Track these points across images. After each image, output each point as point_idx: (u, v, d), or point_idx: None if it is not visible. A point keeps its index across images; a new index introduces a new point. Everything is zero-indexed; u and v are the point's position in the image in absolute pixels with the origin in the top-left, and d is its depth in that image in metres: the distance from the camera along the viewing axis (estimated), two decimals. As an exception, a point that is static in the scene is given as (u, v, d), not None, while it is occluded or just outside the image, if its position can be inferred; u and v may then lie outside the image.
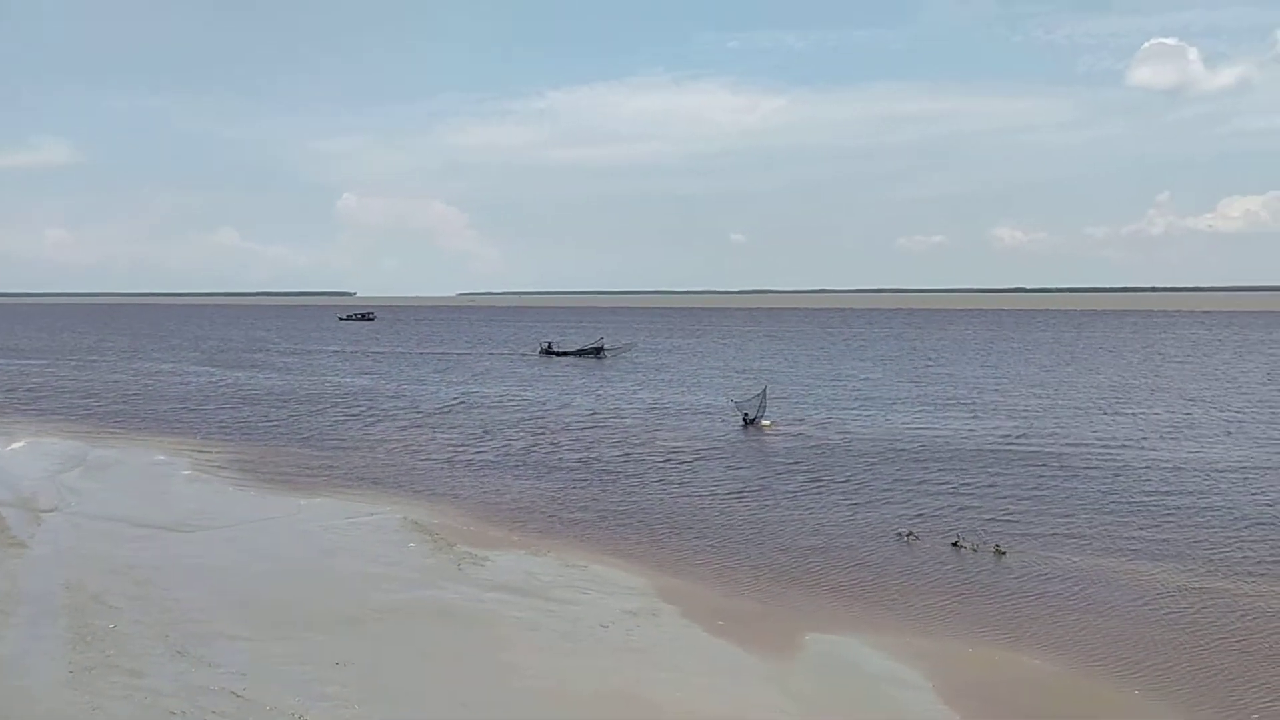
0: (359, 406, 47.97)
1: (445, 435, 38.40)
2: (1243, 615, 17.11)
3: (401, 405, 48.44)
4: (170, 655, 14.66)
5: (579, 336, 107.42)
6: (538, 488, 28.13)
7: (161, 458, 32.95)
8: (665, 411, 45.22)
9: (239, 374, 67.43)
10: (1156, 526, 23.09)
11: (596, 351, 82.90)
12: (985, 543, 21.45)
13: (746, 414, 41.08)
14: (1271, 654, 15.40)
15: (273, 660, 14.45)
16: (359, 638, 15.52)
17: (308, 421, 42.36)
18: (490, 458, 33.24)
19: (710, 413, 44.42)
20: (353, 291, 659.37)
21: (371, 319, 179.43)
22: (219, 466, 31.47)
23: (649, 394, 53.02)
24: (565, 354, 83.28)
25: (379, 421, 42.44)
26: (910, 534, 22.30)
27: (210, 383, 60.81)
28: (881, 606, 17.87)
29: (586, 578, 19.10)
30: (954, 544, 21.49)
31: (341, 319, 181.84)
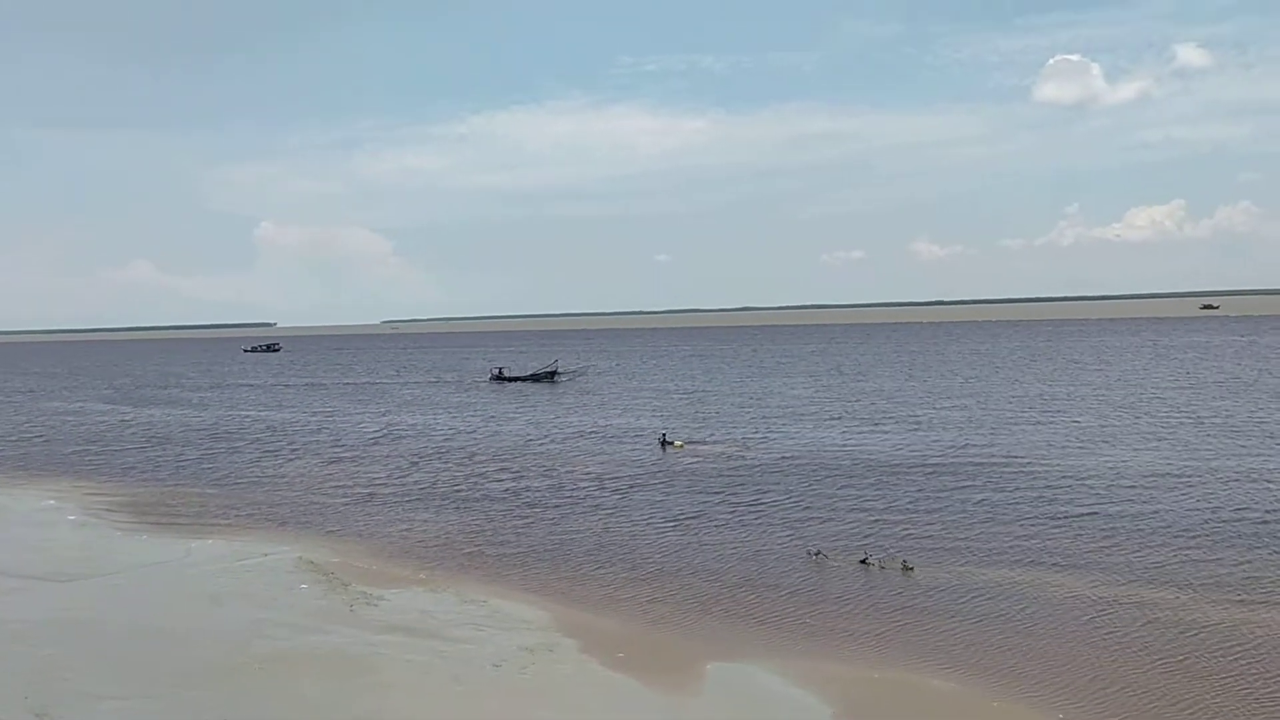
0: (276, 442, 46.35)
1: (362, 469, 37.23)
2: (1160, 627, 16.81)
3: (321, 439, 46.95)
4: (28, 719, 13.66)
5: (509, 361, 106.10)
6: (450, 521, 27.27)
7: (50, 503, 31.43)
8: (593, 436, 44.45)
9: (152, 411, 65.20)
10: (1069, 537, 22.91)
11: (551, 375, 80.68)
12: (893, 559, 21.22)
13: (664, 435, 40.83)
14: (1191, 667, 15.06)
15: (137, 721, 13.53)
16: (234, 691, 14.64)
17: (219, 460, 40.71)
18: (407, 491, 32.18)
19: (638, 436, 43.65)
20: (273, 322, 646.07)
21: (277, 350, 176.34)
22: (111, 510, 30.08)
23: (580, 418, 52.13)
24: (518, 379, 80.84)
25: (295, 457, 41.04)
26: (819, 553, 21.99)
27: (120, 421, 58.65)
28: (787, 630, 17.47)
29: (484, 614, 18.42)
30: (862, 561, 21.24)
31: (246, 350, 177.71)
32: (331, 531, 26.33)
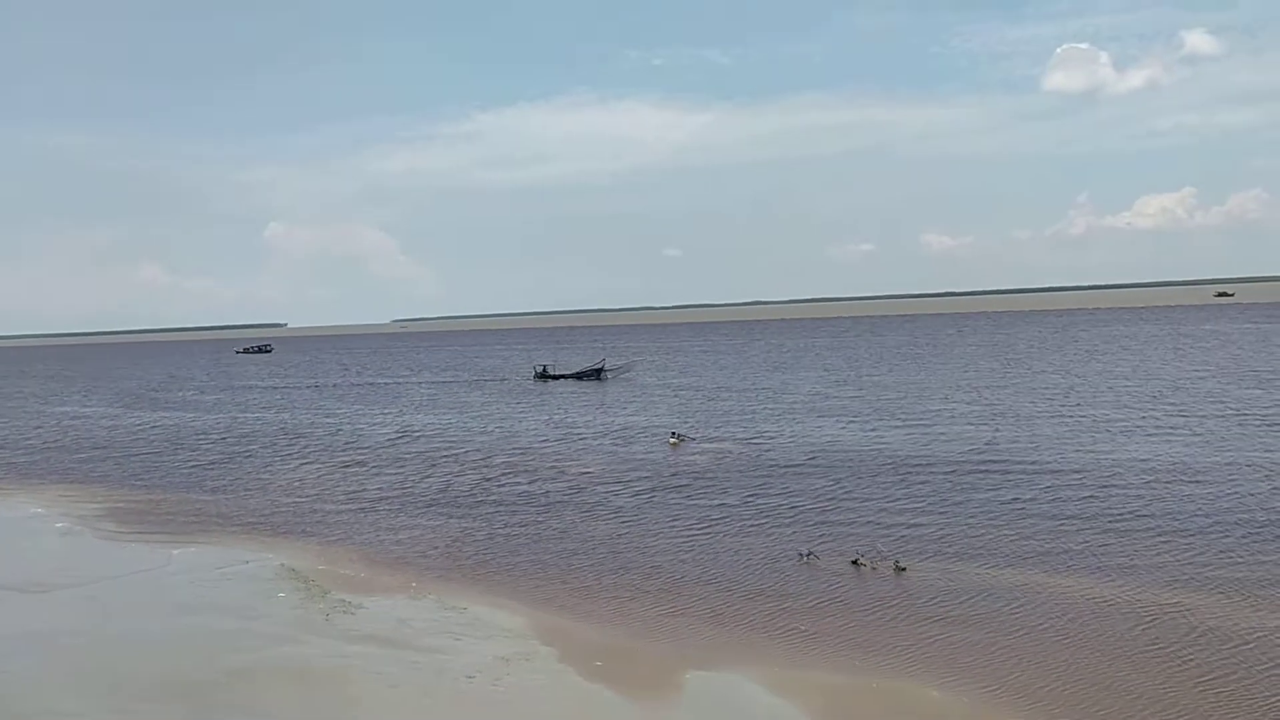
0: (290, 446, 45.12)
1: (369, 472, 36.42)
2: (1161, 631, 16.12)
3: (334, 442, 45.76)
4: (-16, 739, 13.28)
5: (521, 361, 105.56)
6: (444, 526, 26.64)
7: (38, 510, 31.11)
8: (608, 435, 43.59)
9: (163, 415, 64.21)
10: (1074, 536, 22.14)
11: (597, 373, 78.98)
12: (885, 560, 20.68)
13: (674, 433, 40.60)
14: (1194, 673, 14.42)
15: (93, 740, 13.12)
16: (199, 705, 14.23)
17: (229, 465, 39.74)
18: (406, 495, 31.44)
19: (650, 434, 42.63)
20: (283, 323, 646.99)
21: (269, 351, 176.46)
22: (100, 517, 29.73)
23: (600, 417, 51.26)
24: (563, 377, 79.18)
25: (306, 461, 40.13)
26: (811, 554, 21.46)
27: (132, 425, 58.04)
28: (772, 636, 16.96)
29: (463, 621, 17.96)
30: (854, 562, 20.71)
31: (238, 352, 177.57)
32: (323, 537, 25.84)
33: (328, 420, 56.05)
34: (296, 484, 34.55)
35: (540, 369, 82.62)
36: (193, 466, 39.94)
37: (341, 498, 31.46)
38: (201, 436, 50.60)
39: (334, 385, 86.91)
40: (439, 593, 19.98)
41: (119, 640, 17.52)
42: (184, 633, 17.72)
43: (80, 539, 26.56)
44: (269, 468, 38.70)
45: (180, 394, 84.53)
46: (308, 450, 43.21)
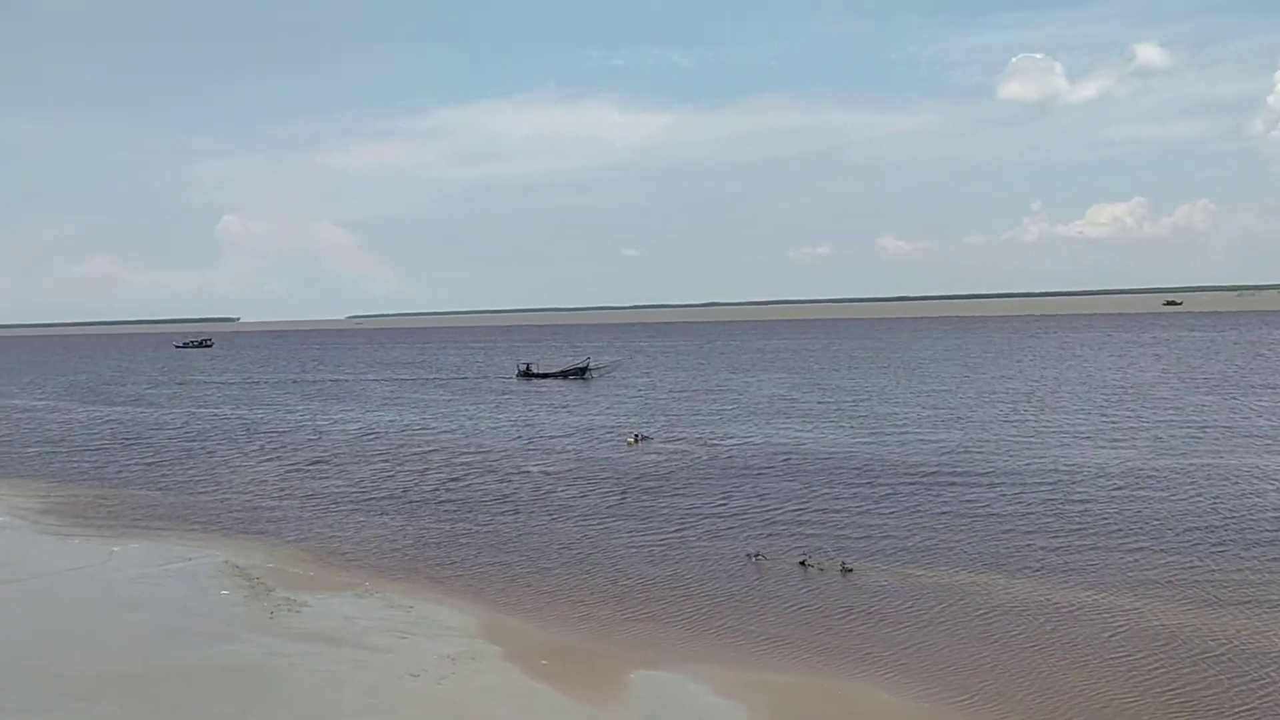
0: (250, 443, 44.13)
1: (327, 470, 35.77)
2: (1104, 632, 16.33)
3: (294, 439, 45.01)
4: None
5: (482, 359, 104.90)
6: (396, 524, 26.34)
7: (-22, 505, 30.40)
8: (570, 434, 43.57)
9: (118, 410, 62.87)
10: (1022, 539, 22.38)
11: (581, 372, 78.27)
12: (833, 560, 20.83)
13: (637, 434, 40.69)
14: (1138, 674, 14.59)
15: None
16: (137, 703, 14.00)
17: (184, 462, 38.81)
18: (364, 493, 30.98)
19: (615, 433, 42.57)
20: (236, 317, 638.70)
21: (209, 345, 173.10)
22: (41, 513, 29.13)
23: (565, 417, 51.21)
24: (547, 375, 78.57)
25: (267, 458, 39.40)
26: (759, 554, 21.57)
27: (86, 420, 56.78)
28: (719, 636, 17.02)
29: (410, 619, 17.83)
30: (802, 563, 20.84)
31: (177, 346, 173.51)
32: (273, 535, 25.45)
33: (288, 417, 55.27)
34: (250, 481, 34.04)
35: (524, 367, 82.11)
36: (148, 462, 39.16)
37: (296, 495, 31.02)
38: (157, 431, 49.74)
39: (293, 381, 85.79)
40: (387, 591, 19.81)
41: (54, 637, 17.18)
42: (122, 630, 17.42)
43: (19, 534, 26.02)
44: (225, 465, 38.07)
45: (133, 388, 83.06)
46: (267, 447, 42.55)
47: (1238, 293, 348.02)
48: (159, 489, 33.11)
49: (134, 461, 39.63)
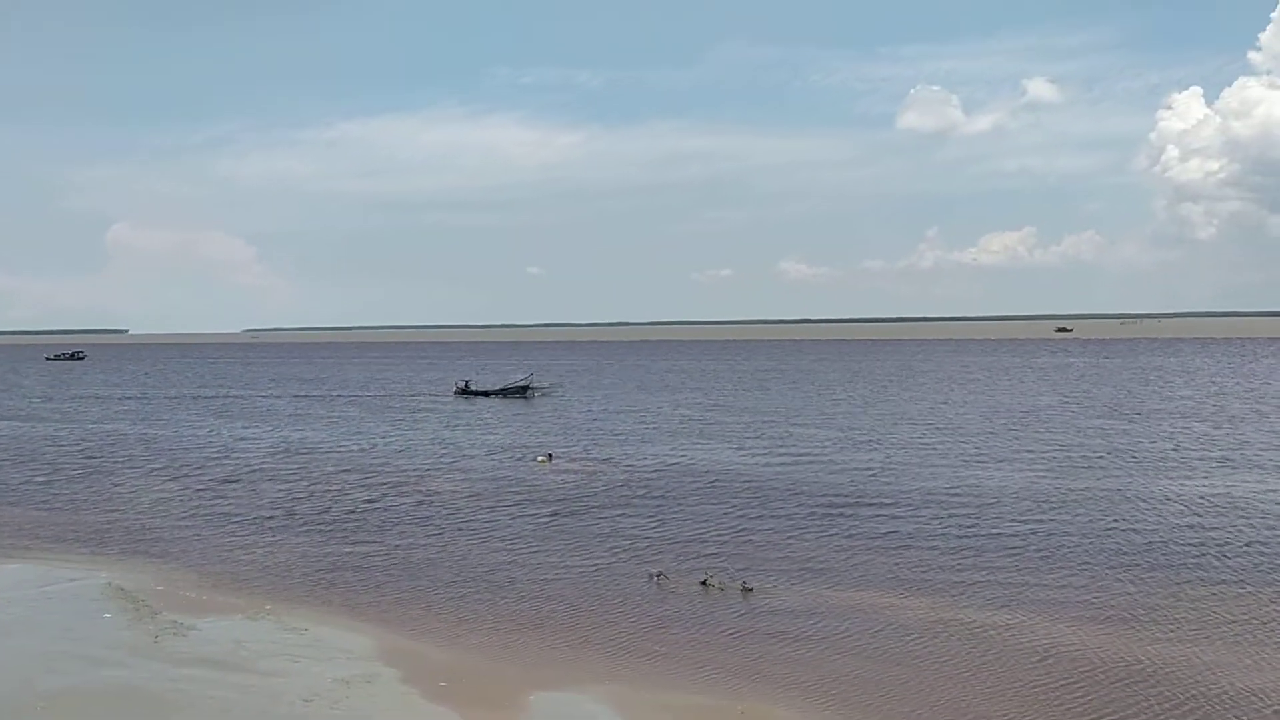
0: (152, 462, 42.14)
1: (214, 489, 34.52)
2: (1000, 651, 16.64)
3: (186, 458, 43.11)
4: None
5: (382, 375, 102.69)
6: (294, 545, 25.65)
7: None
8: (480, 454, 43.14)
9: (8, 425, 59.55)
10: (920, 558, 22.80)
11: (522, 390, 76.36)
12: (734, 580, 20.99)
13: (549, 454, 40.51)
14: (1030, 692, 14.88)
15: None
16: (8, 734, 13.34)
17: (83, 481, 36.90)
18: (260, 513, 29.97)
19: (525, 452, 42.25)
20: (125, 329, 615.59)
21: (81, 358, 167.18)
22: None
23: (481, 435, 50.55)
24: (486, 394, 76.28)
25: (152, 478, 37.58)
26: (661, 574, 21.62)
27: None
28: (619, 656, 16.98)
29: (304, 642, 17.37)
30: (703, 582, 20.95)
31: (48, 359, 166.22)
32: (165, 556, 24.54)
33: (192, 434, 53.20)
34: (148, 500, 32.69)
35: (462, 385, 79.88)
36: (39, 481, 37.27)
37: (197, 516, 29.94)
38: (50, 447, 47.54)
39: (193, 398, 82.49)
40: (280, 612, 19.29)
41: (-79, 664, 16.27)
42: (-3, 655, 16.59)
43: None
44: (122, 483, 36.49)
45: (23, 402, 79.21)
46: (168, 465, 40.81)
47: (1120, 321, 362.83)
48: (49, 508, 31.71)
49: (24, 480, 37.78)
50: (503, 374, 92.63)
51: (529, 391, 76.44)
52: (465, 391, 77.94)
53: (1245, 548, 23.27)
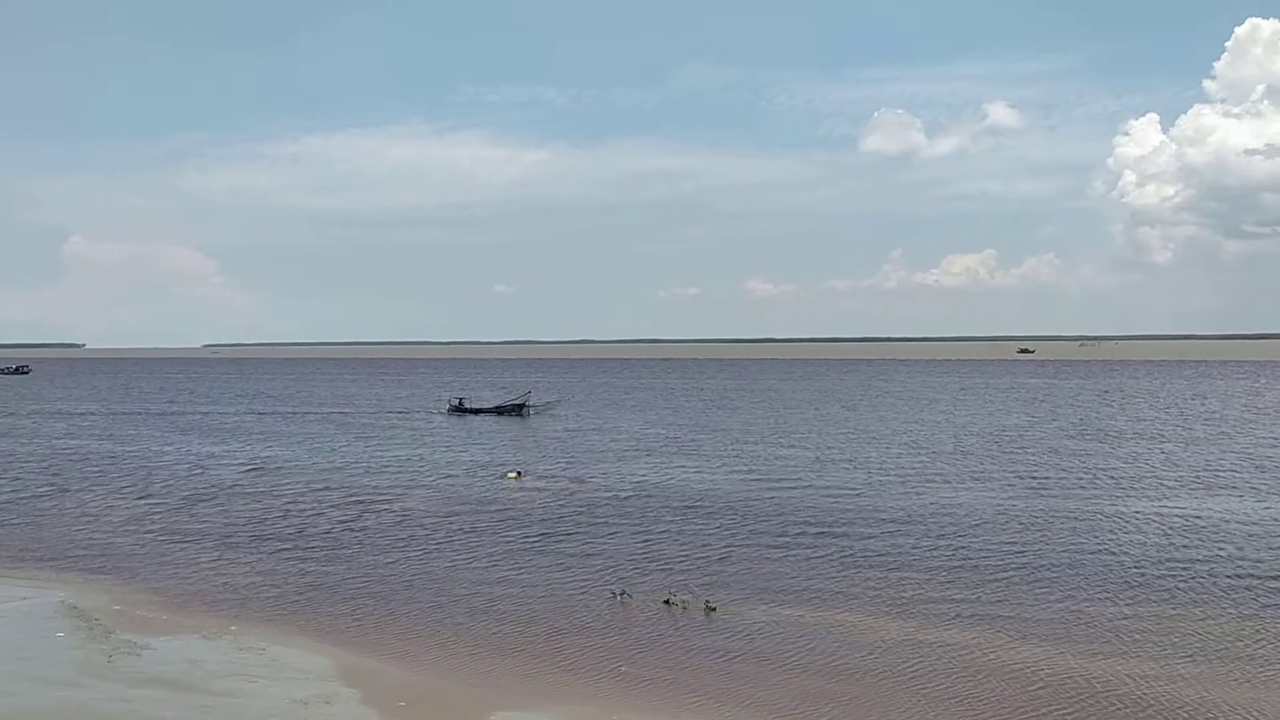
0: (123, 479, 41.10)
1: (180, 507, 33.83)
2: (970, 670, 16.64)
3: (149, 474, 42.33)
4: None
5: (354, 390, 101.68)
6: (258, 563, 25.22)
7: None
8: (453, 471, 42.82)
9: None
10: (883, 577, 22.79)
11: (519, 408, 74.74)
12: (697, 599, 20.95)
13: (518, 470, 40.37)
14: (1000, 712, 14.87)
15: None
16: (-46, 757, 13.02)
17: (39, 499, 35.90)
18: (227, 531, 29.37)
19: (496, 470, 42.19)
20: (82, 343, 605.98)
21: (26, 372, 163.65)
22: None
23: (457, 453, 49.92)
24: (482, 411, 74.76)
25: (122, 495, 36.70)
26: (624, 592, 21.55)
27: None
28: (580, 675, 16.87)
29: (261, 662, 17.13)
30: (666, 601, 20.90)
31: None
32: (123, 575, 24.02)
33: (158, 450, 51.99)
34: (111, 519, 31.92)
35: (456, 402, 77.86)
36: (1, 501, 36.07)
37: (160, 534, 29.32)
38: (9, 463, 46.43)
39: (158, 414, 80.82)
40: (237, 632, 19.02)
41: None
42: (-58, 676, 16.19)
43: None
44: (85, 501, 35.57)
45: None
46: (132, 483, 39.81)
47: (1079, 343, 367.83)
48: (5, 526, 31.01)
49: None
50: (473, 390, 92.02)
51: (525, 410, 75.02)
52: (459, 409, 76.10)
53: (1217, 566, 23.44)
